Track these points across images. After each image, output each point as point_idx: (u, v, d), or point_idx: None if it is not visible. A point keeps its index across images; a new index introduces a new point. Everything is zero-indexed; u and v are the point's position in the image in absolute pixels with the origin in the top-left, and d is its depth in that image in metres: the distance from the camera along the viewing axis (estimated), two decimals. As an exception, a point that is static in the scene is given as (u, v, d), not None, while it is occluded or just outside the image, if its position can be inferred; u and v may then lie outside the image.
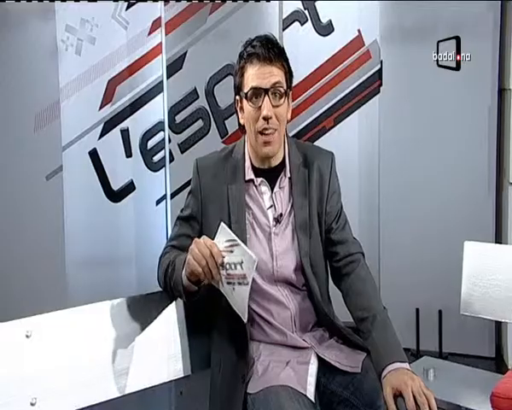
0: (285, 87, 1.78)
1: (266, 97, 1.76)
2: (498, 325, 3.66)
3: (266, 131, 1.77)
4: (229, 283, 1.67)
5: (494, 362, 3.64)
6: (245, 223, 1.81)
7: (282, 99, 1.78)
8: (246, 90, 1.77)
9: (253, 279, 1.79)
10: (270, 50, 1.76)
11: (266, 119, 1.76)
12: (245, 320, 1.68)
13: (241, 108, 1.83)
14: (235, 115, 1.89)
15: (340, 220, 1.90)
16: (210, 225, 1.83)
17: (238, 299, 1.67)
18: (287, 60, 1.81)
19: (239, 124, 1.88)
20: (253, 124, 1.78)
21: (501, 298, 2.36)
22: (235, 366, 1.75)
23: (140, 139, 4.11)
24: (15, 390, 1.66)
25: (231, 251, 1.63)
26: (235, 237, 1.63)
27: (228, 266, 1.64)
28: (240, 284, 1.65)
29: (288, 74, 1.81)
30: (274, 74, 1.76)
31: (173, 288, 1.79)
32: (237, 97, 1.83)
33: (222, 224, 1.67)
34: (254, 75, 1.76)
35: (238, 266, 1.63)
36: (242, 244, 1.62)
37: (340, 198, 1.93)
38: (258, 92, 1.76)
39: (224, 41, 3.78)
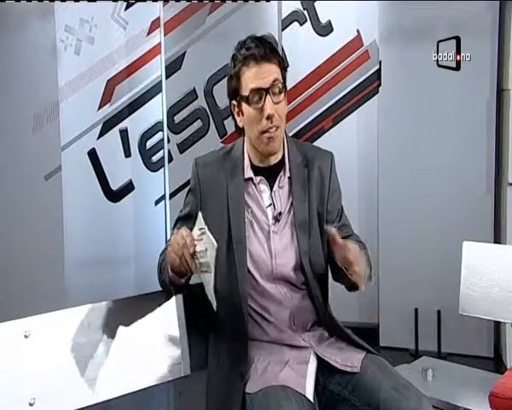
0: (282, 82, 1.79)
1: (268, 96, 1.76)
2: (497, 325, 3.66)
3: (270, 130, 1.77)
4: (201, 271, 1.70)
5: (493, 362, 3.64)
6: (244, 221, 1.81)
7: (282, 95, 1.79)
8: (245, 94, 1.77)
9: (253, 277, 1.80)
10: (266, 48, 1.77)
11: (270, 117, 1.76)
12: (214, 309, 1.71)
13: (239, 112, 1.82)
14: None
15: (342, 220, 1.91)
16: (209, 224, 1.83)
17: (207, 287, 1.70)
18: (280, 55, 1.83)
19: (236, 127, 1.87)
20: (256, 125, 1.78)
21: (500, 298, 2.36)
22: (234, 365, 1.75)
23: (139, 139, 4.10)
24: (14, 391, 1.66)
25: (201, 239, 1.66)
26: (204, 226, 1.66)
27: (198, 255, 1.67)
28: (206, 271, 1.68)
29: (283, 69, 1.82)
30: (271, 72, 1.77)
31: (164, 283, 1.82)
32: (234, 102, 1.83)
33: (199, 213, 1.71)
34: (252, 77, 1.76)
35: (204, 255, 1.66)
36: (208, 232, 1.64)
37: (341, 198, 1.94)
38: (258, 93, 1.76)
39: (223, 41, 3.77)
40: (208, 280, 1.68)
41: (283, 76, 1.81)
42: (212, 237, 1.64)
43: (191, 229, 1.71)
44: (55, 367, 1.72)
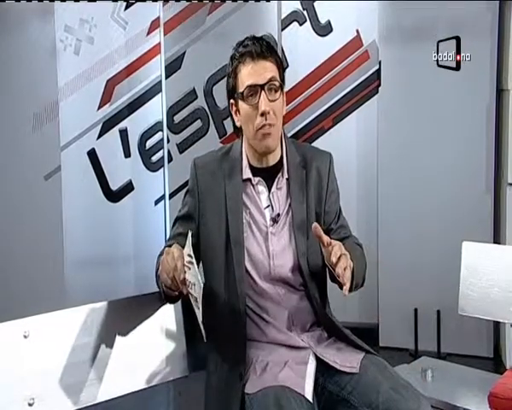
0: (279, 81, 1.79)
1: (263, 93, 1.76)
2: (496, 326, 3.66)
3: (265, 127, 1.77)
4: (191, 298, 1.65)
5: (492, 362, 3.64)
6: (242, 222, 1.81)
7: (278, 93, 1.79)
8: (241, 90, 1.78)
9: (251, 277, 1.79)
10: (262, 46, 1.77)
11: (264, 114, 1.76)
12: (204, 340, 1.67)
13: (237, 111, 1.83)
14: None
15: (340, 221, 1.91)
16: (207, 224, 1.84)
17: (197, 317, 1.65)
18: (278, 54, 1.83)
19: (235, 127, 1.88)
20: (252, 122, 1.78)
21: (499, 298, 2.36)
22: (233, 365, 1.75)
23: (138, 139, 4.10)
24: (13, 391, 1.66)
25: (189, 268, 1.61)
26: (192, 255, 1.59)
27: (188, 283, 1.63)
28: (195, 305, 1.63)
29: (281, 69, 1.82)
30: (268, 70, 1.77)
31: (159, 291, 1.81)
32: (232, 101, 1.84)
33: (189, 233, 1.64)
34: (249, 73, 1.77)
35: (193, 287, 1.61)
36: (195, 266, 1.58)
37: (339, 199, 1.93)
38: (254, 89, 1.77)
39: (223, 41, 3.78)
40: (197, 314, 1.63)
41: (281, 75, 1.81)
42: (199, 272, 1.58)
43: (192, 230, 1.70)
44: (55, 367, 1.72)
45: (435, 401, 2.26)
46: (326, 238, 1.65)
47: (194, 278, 1.59)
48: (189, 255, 1.60)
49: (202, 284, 1.56)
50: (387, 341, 3.82)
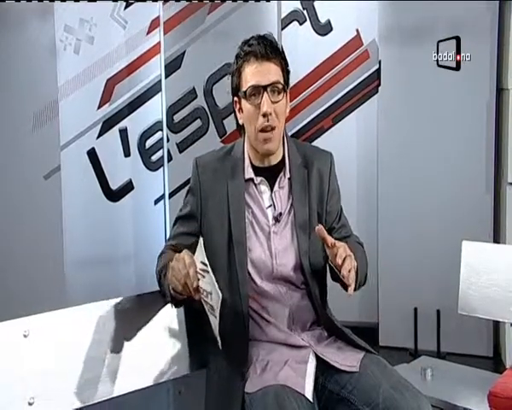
0: (283, 83, 1.79)
1: (265, 94, 1.76)
2: (496, 325, 3.67)
3: (266, 129, 1.77)
4: (205, 305, 1.65)
5: (492, 361, 3.64)
6: (245, 222, 1.82)
7: (281, 95, 1.79)
8: (244, 89, 1.78)
9: (252, 279, 1.79)
10: (266, 47, 1.77)
11: (266, 115, 1.76)
12: (220, 347, 1.68)
13: (240, 109, 1.83)
14: (233, 114, 1.89)
15: (341, 220, 1.92)
16: (209, 224, 1.84)
17: (212, 325, 1.65)
18: (283, 56, 1.83)
19: (237, 125, 1.88)
20: (253, 122, 1.79)
21: (499, 298, 2.36)
22: (234, 365, 1.75)
23: (138, 139, 4.10)
24: (13, 390, 1.66)
25: (203, 276, 1.59)
26: (207, 263, 1.58)
27: (202, 291, 1.61)
28: (211, 313, 1.63)
29: (286, 71, 1.82)
30: (272, 72, 1.77)
31: (164, 293, 1.80)
32: (235, 98, 1.84)
33: (200, 239, 1.63)
34: (252, 73, 1.77)
35: (209, 296, 1.60)
36: (211, 274, 1.56)
37: (340, 199, 1.94)
38: (257, 90, 1.77)
39: (223, 41, 3.78)
40: (213, 321, 1.62)
41: (285, 76, 1.81)
42: (216, 284, 1.55)
43: (190, 234, 1.69)
44: (55, 366, 1.72)
45: (435, 401, 2.26)
46: (330, 239, 1.66)
47: (210, 286, 1.57)
48: (204, 263, 1.59)
49: (221, 296, 1.54)
50: (387, 340, 3.82)
